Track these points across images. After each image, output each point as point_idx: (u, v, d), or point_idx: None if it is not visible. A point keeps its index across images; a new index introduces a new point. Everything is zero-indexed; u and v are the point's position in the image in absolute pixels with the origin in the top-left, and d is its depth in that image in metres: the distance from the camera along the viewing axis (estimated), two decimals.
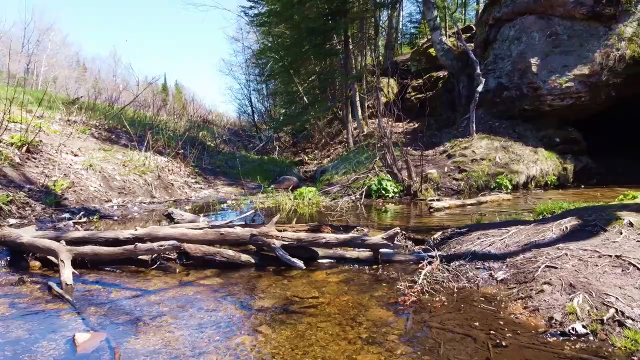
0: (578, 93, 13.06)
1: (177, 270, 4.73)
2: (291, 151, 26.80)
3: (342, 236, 4.92)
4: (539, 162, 12.93)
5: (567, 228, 4.92)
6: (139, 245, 4.36)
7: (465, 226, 5.69)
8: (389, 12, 21.34)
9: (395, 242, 4.86)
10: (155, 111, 18.57)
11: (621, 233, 4.58)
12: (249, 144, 27.96)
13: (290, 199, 9.39)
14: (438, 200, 9.75)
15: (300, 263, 4.58)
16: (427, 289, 3.95)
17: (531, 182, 12.59)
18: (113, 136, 13.20)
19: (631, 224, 4.73)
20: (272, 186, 12.70)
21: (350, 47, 18.05)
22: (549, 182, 12.77)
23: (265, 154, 23.69)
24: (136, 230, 5.12)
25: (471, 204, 8.83)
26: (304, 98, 21.25)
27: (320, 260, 5.01)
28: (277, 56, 20.45)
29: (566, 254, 4.20)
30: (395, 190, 10.23)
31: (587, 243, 4.49)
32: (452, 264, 4.63)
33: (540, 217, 5.82)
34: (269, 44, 22.79)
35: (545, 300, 3.45)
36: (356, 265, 4.84)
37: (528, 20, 13.78)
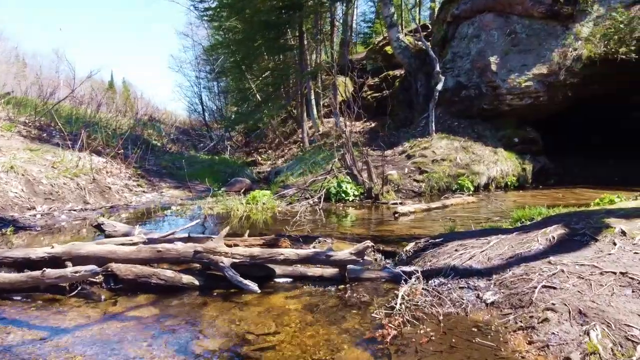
0: (537, 93, 12.92)
1: (103, 298, 3.86)
2: (244, 151, 25.81)
3: (304, 252, 4.19)
4: (499, 162, 12.69)
5: (554, 238, 4.41)
6: (48, 271, 3.47)
7: (439, 236, 5.09)
8: (344, 8, 20.79)
9: (365, 257, 4.18)
10: (95, 107, 17.16)
11: (615, 243, 4.09)
12: (199, 143, 26.72)
13: (242, 204, 8.56)
14: (401, 203, 9.20)
15: (254, 286, 3.82)
16: (407, 317, 3.29)
17: (491, 183, 12.31)
18: (44, 134, 11.89)
19: (623, 233, 4.26)
20: (223, 189, 11.81)
21: (305, 43, 17.36)
22: (508, 183, 12.53)
23: (216, 154, 22.61)
24: (53, 247, 4.20)
25: (436, 208, 8.32)
26: (257, 95, 20.36)
27: (277, 280, 4.27)
28: (228, 51, 19.45)
29: (562, 271, 3.65)
30: (356, 193, 9.61)
31: (580, 256, 3.98)
32: (430, 282, 4.00)
33: (519, 224, 5.31)
34: (220, 39, 21.74)
35: (554, 333, 2.85)
36: (320, 286, 4.13)
37: (487, 18, 13.54)
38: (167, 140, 20.97)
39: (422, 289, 3.81)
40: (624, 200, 5.96)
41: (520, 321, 3.13)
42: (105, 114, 17.40)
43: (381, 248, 4.95)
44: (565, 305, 3.10)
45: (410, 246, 4.89)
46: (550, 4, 12.54)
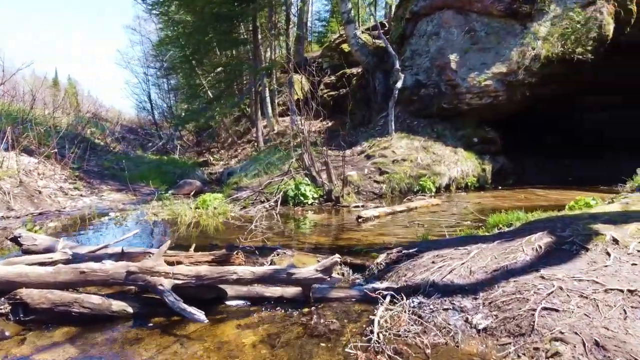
0: (496, 92, 12.75)
1: (8, 334, 3.08)
2: (195, 151, 24.73)
3: (260, 269, 3.54)
4: (460, 162, 12.43)
5: (540, 247, 3.96)
6: None
7: (412, 245, 4.57)
8: (299, 2, 20.17)
9: (333, 274, 3.58)
10: (30, 103, 15.73)
11: (608, 253, 3.68)
12: (147, 143, 25.39)
13: (191, 209, 7.77)
14: (363, 206, 8.68)
15: (200, 315, 3.13)
16: (389, 352, 2.71)
17: (452, 184, 12.03)
18: None
19: (615, 241, 3.86)
20: (170, 192, 10.94)
21: (260, 37, 16.60)
22: (469, 183, 12.29)
23: (165, 154, 21.46)
24: None
25: (401, 211, 7.84)
26: (209, 92, 19.38)
27: (230, 302, 3.60)
28: (177, 45, 18.38)
29: (560, 288, 3.17)
30: (315, 195, 9.00)
31: (573, 268, 3.53)
32: (409, 301, 3.44)
33: (496, 231, 4.86)
34: (170, 33, 20.60)
35: None
36: (281, 308, 3.49)
37: (446, 15, 13.27)
38: (112, 139, 19.66)
39: (402, 311, 3.25)
40: (600, 203, 5.64)
41: (524, 354, 2.61)
42: (40, 110, 16.00)
43: (348, 260, 4.36)
44: (576, 334, 2.60)
45: (381, 258, 4.33)
46: (509, 2, 12.39)
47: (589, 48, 12.01)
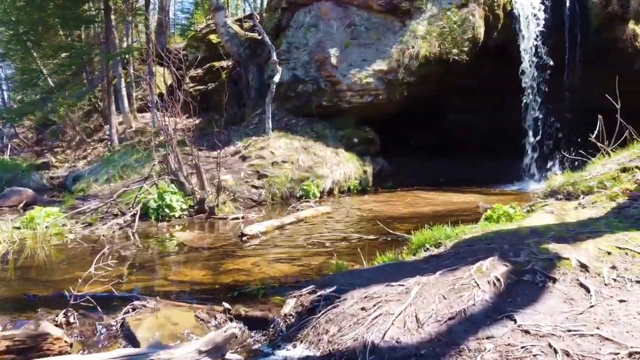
0: (377, 90, 12.21)
1: None
2: (34, 151, 20.97)
3: (100, 358, 2.04)
4: (342, 164, 11.63)
5: (498, 280, 3.03)
6: None
7: (326, 280, 3.38)
8: None
9: (228, 354, 2.22)
10: None
11: (584, 287, 2.89)
12: None
13: (5, 231, 5.65)
14: (243, 217, 7.31)
15: None
16: None
17: (335, 188, 11.17)
18: None
19: (584, 267, 3.08)
20: None
21: (113, 18, 14.20)
22: (351, 187, 11.54)
23: None
24: None
25: (291, 223, 6.62)
26: (49, 80, 16.23)
27: None
28: (7, 22, 15.02)
29: (567, 354, 2.20)
30: (184, 206, 7.37)
31: (554, 312, 2.67)
32: None
33: (425, 253, 3.88)
34: None
35: None
36: None
37: (325, 7, 12.41)
38: None
39: None
40: (519, 212, 5.02)
41: None
42: None
43: (242, 312, 3.02)
44: None
45: (290, 306, 3.05)
46: None
47: (465, 49, 12.04)
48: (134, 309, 2.97)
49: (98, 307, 2.98)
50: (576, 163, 6.54)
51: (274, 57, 11.96)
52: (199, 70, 19.53)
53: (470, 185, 12.42)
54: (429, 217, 7.40)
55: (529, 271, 3.09)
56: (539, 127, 13.14)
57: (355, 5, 12.24)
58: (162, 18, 19.13)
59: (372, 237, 5.40)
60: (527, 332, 2.45)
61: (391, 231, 5.44)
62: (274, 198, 9.66)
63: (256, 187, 9.85)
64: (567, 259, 3.16)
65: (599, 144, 5.80)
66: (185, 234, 6.03)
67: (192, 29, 28.26)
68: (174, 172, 7.77)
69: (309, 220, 7.06)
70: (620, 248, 3.28)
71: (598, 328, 2.40)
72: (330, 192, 10.98)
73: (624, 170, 4.91)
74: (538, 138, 13.19)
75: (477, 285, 2.99)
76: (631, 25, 12.44)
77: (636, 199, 4.21)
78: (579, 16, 12.57)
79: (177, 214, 7.19)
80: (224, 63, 18.20)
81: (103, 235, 5.80)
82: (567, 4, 12.64)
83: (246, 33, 15.59)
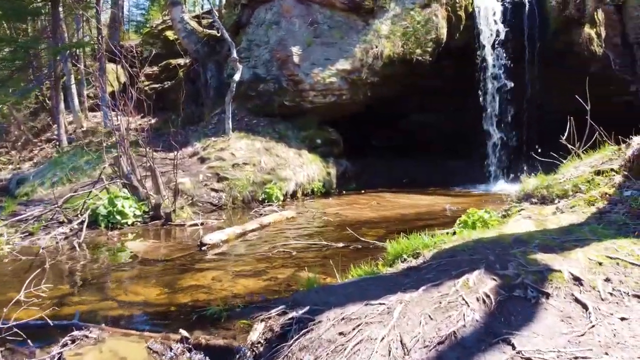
0: (340, 90, 11.95)
1: None
2: None
3: None
4: (305, 166, 11.29)
5: (487, 296, 2.76)
6: None
7: (298, 299, 3.02)
8: None
9: None
10: None
11: (581, 303, 2.65)
12: None
13: None
14: (202, 224, 6.85)
15: None
16: None
17: (299, 190, 10.82)
18: None
19: (578, 280, 2.86)
20: None
21: (61, 10, 13.31)
22: (315, 189, 11.21)
23: None
24: None
25: (253, 230, 6.22)
26: None
27: None
28: None
29: None
30: (138, 212, 6.83)
31: (552, 333, 2.42)
32: None
33: (403, 265, 3.59)
34: None
35: None
36: None
37: (287, 4, 12.02)
38: None
39: None
40: (495, 217, 4.82)
41: None
42: None
43: (203, 341, 2.63)
44: None
45: (257, 332, 2.68)
46: None
47: (429, 49, 11.95)
48: (73, 341, 2.54)
49: (29, 341, 2.52)
50: (536, 164, 6.46)
51: (234, 54, 11.50)
52: (155, 68, 18.77)
53: (434, 186, 12.36)
54: (398, 221, 7.18)
55: (519, 285, 2.84)
56: (501, 129, 13.24)
57: (318, 3, 11.94)
58: (115, 12, 18.20)
59: (341, 244, 5.07)
60: (525, 357, 2.18)
61: (361, 238, 5.15)
62: (235, 202, 9.22)
63: (216, 191, 9.39)
64: (559, 271, 2.93)
65: (569, 146, 5.69)
66: (138, 243, 5.53)
67: (147, 25, 27.34)
68: (126, 175, 7.21)
69: (273, 226, 6.68)
70: (610, 258, 3.09)
71: (607, 354, 2.15)
72: (294, 195, 10.63)
73: (599, 173, 4.79)
74: (500, 139, 13.29)
75: (466, 302, 2.72)
76: (587, 29, 12.69)
77: (616, 203, 4.08)
78: (538, 19, 12.73)
79: (129, 221, 6.64)
80: (181, 60, 17.52)
81: (42, 249, 5.20)
82: (527, 7, 12.79)
83: (204, 30, 15.02)
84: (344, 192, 11.94)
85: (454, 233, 4.77)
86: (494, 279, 2.92)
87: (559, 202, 4.71)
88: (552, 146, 6.36)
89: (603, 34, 12.83)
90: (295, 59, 11.75)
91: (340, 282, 3.32)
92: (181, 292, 3.51)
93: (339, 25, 11.99)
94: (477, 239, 3.72)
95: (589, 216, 4.04)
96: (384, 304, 2.83)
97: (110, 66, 17.97)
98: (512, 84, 12.76)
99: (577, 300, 2.68)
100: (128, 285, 3.82)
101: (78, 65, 16.66)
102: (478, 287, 2.86)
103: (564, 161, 5.58)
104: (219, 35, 13.39)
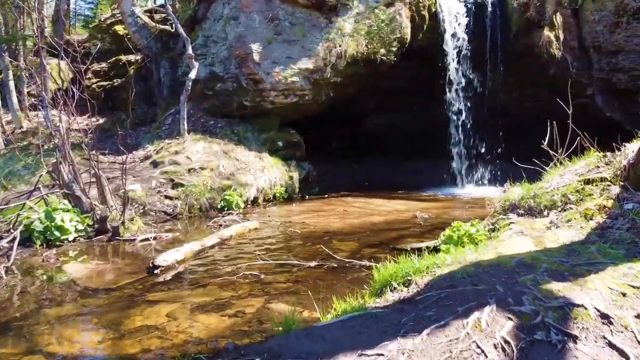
0: (302, 90, 11.40)
1: None
2: None
3: None
4: (266, 170, 10.67)
5: (507, 342, 2.31)
6: None
7: (275, 350, 2.46)
8: None
9: None
10: None
11: (618, 350, 2.21)
12: None
13: None
14: (155, 238, 6.14)
15: None
16: None
17: (260, 196, 10.20)
18: None
19: (606, 318, 2.45)
20: None
21: None
22: (277, 194, 10.62)
23: None
24: None
25: (213, 246, 5.58)
26: None
27: None
28: None
29: None
30: (81, 226, 6.04)
31: None
32: None
33: (393, 295, 3.09)
34: None
35: None
36: None
37: None
38: None
39: None
40: (483, 231, 4.41)
41: None
42: None
43: None
44: None
45: None
46: None
47: (393, 49, 11.61)
48: None
49: None
50: (504, 165, 6.20)
51: (190, 50, 10.75)
52: (104, 64, 17.64)
53: (399, 189, 12.05)
54: (369, 231, 6.71)
55: (539, 326, 2.40)
56: (465, 130, 13.08)
57: None
58: (60, 4, 16.95)
59: (314, 263, 4.53)
60: None
61: (335, 255, 4.63)
62: (192, 210, 8.51)
63: (170, 198, 8.64)
64: (582, 306, 2.52)
65: (551, 152, 5.39)
66: (78, 266, 4.77)
67: (96, 20, 26.01)
68: (67, 184, 6.40)
69: (235, 239, 6.06)
70: (633, 287, 2.71)
71: None
72: (255, 202, 10.01)
73: (588, 182, 4.47)
74: (462, 140, 13.12)
75: (482, 351, 2.25)
76: (546, 31, 12.70)
77: (616, 217, 3.75)
78: (499, 21, 12.65)
79: (70, 237, 5.85)
80: (131, 57, 16.48)
81: None
82: (489, 9, 12.69)
83: (157, 25, 14.13)
84: (307, 196, 11.41)
85: (439, 250, 4.37)
86: (509, 318, 2.47)
87: (548, 214, 4.37)
88: (517, 149, 6.13)
89: (561, 37, 12.89)
90: (255, 56, 11.11)
91: (324, 321, 2.78)
92: (129, 337, 2.86)
93: (301, 23, 11.44)
94: (475, 262, 3.26)
95: (590, 232, 3.68)
96: (382, 354, 2.32)
97: (54, 62, 16.76)
98: (476, 86, 12.63)
99: (611, 345, 2.26)
100: (62, 327, 3.10)
101: (17, 61, 15.39)
102: (493, 329, 2.40)
103: (530, 164, 5.30)
104: (173, 30, 12.57)
